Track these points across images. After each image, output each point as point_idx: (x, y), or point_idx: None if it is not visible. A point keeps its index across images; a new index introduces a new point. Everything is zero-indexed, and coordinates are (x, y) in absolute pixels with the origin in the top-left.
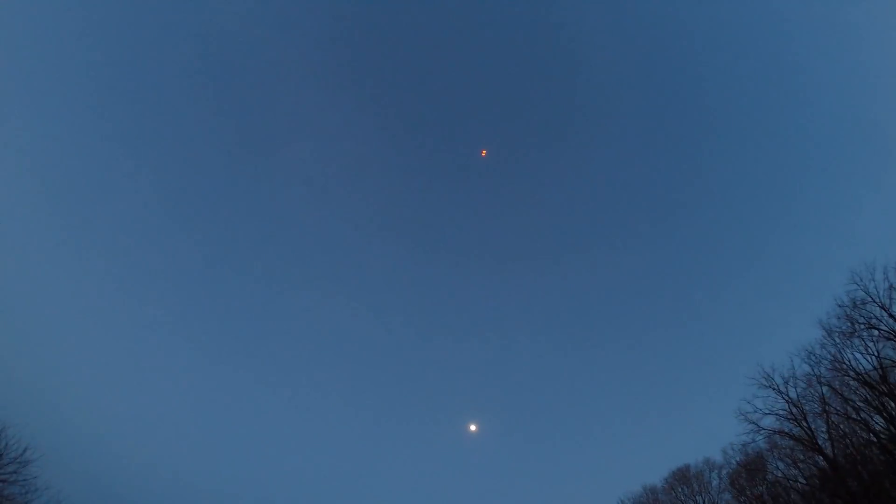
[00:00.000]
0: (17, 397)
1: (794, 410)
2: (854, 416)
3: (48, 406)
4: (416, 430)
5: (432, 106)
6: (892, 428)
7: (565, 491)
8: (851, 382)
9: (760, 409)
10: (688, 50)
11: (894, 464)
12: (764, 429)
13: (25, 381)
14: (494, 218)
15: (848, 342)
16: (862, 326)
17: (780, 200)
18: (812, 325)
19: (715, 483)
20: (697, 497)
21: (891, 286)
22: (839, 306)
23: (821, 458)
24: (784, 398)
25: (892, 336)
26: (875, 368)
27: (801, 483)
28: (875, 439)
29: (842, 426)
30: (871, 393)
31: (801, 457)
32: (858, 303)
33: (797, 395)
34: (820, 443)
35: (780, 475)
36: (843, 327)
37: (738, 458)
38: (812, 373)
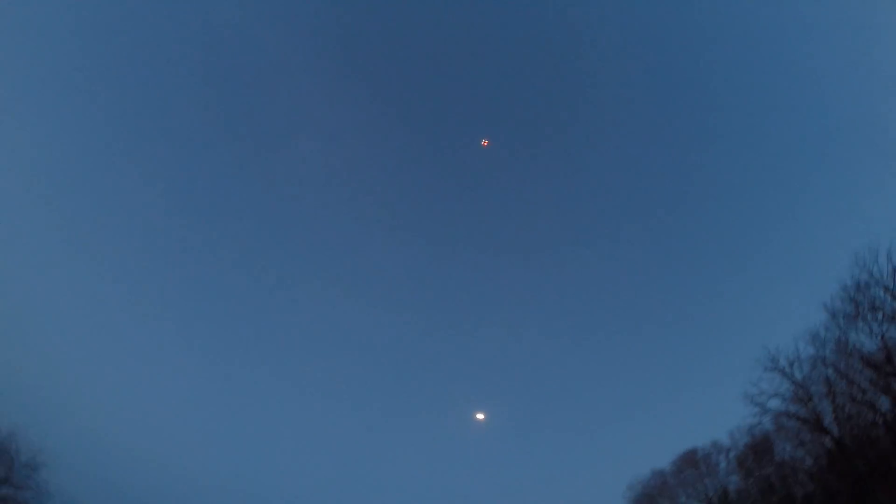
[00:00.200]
0: (26, 402)
1: (800, 392)
2: (860, 397)
3: (56, 409)
4: (424, 420)
5: (433, 97)
6: None
7: (573, 477)
8: (856, 364)
9: (766, 392)
10: (693, 39)
11: None
12: (770, 411)
13: (32, 386)
14: (499, 208)
15: (852, 324)
16: (866, 308)
17: (786, 185)
18: (817, 308)
19: (722, 465)
20: (705, 480)
21: (895, 268)
22: (843, 289)
23: (827, 438)
24: (790, 380)
25: None
26: (880, 350)
27: (808, 464)
28: (881, 420)
29: (848, 407)
30: (876, 374)
31: (808, 438)
32: (862, 285)
33: (803, 377)
34: (826, 424)
35: (787, 457)
36: (848, 310)
37: (745, 441)
38: (817, 355)
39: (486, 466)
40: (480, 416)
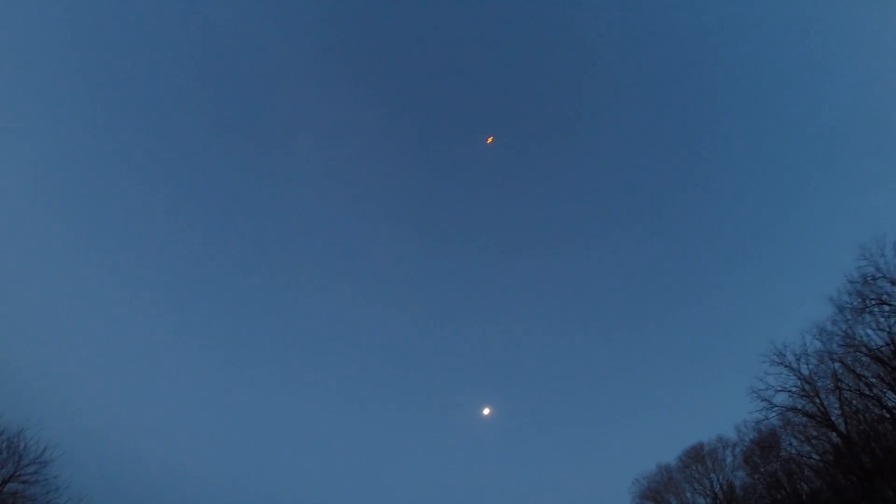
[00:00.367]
0: (35, 398)
1: (807, 387)
2: (866, 392)
3: (66, 406)
4: (430, 416)
5: (436, 95)
6: None
7: (579, 471)
8: (863, 358)
9: (773, 387)
10: (698, 36)
11: None
12: (777, 406)
13: (42, 382)
14: (503, 205)
15: (859, 318)
16: (873, 302)
17: (791, 180)
18: (823, 302)
19: (729, 461)
20: (711, 475)
21: None
22: (850, 282)
23: (834, 434)
24: (796, 375)
25: None
26: (887, 344)
27: (814, 459)
28: (888, 415)
29: (854, 402)
30: (883, 369)
31: (815, 433)
32: (869, 279)
33: (809, 372)
34: (833, 419)
35: (793, 452)
36: (854, 303)
37: (751, 436)
38: (824, 349)
39: (491, 460)
40: (486, 412)
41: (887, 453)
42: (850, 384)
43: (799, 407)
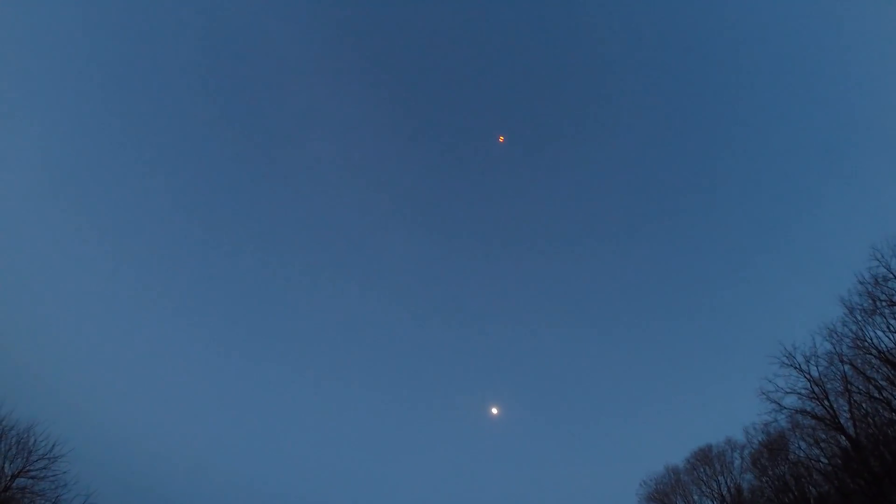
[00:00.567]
0: (44, 394)
1: (816, 389)
2: (876, 394)
3: (74, 402)
4: (439, 414)
5: (449, 94)
6: None
7: (587, 472)
8: (874, 361)
9: (782, 389)
10: (712, 38)
11: None
12: (786, 408)
13: (52, 378)
14: (514, 204)
15: (870, 319)
16: (884, 303)
17: (801, 180)
18: (834, 303)
19: (737, 463)
20: (719, 477)
21: None
22: (861, 283)
23: (843, 437)
24: (806, 377)
25: None
26: None
27: (822, 463)
28: None
29: (864, 405)
30: (893, 371)
31: (823, 436)
32: (880, 279)
33: (819, 374)
34: (842, 422)
35: (801, 455)
36: (865, 304)
37: (759, 438)
38: (834, 351)
39: (500, 460)
40: (495, 411)
41: None
42: (860, 387)
43: (808, 409)
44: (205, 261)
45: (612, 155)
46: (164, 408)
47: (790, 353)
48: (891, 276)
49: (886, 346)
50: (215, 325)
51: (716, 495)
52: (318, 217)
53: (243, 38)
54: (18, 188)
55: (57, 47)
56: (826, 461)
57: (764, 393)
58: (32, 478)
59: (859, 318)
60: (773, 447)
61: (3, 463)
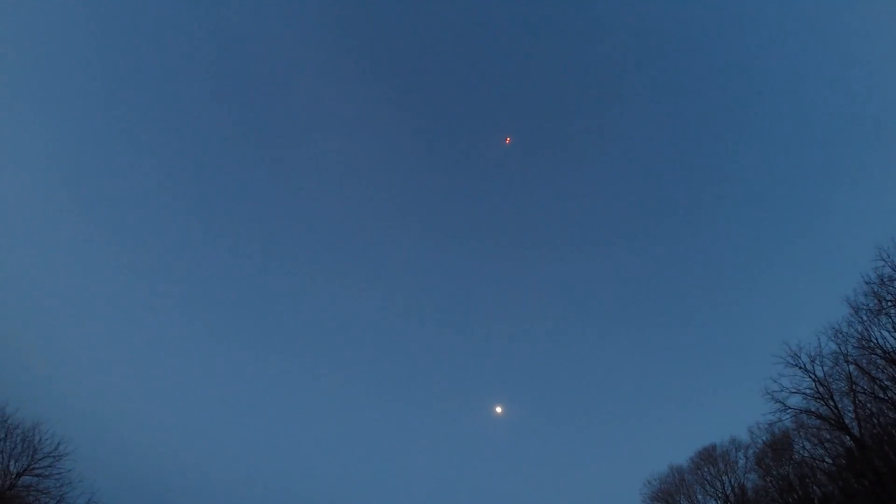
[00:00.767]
0: (50, 393)
1: (821, 389)
2: (881, 395)
3: (79, 401)
4: (442, 414)
5: (454, 95)
6: None
7: (591, 471)
8: (879, 361)
9: (787, 388)
10: (720, 40)
11: None
12: (790, 408)
13: (57, 377)
14: (520, 206)
15: (875, 320)
16: (889, 303)
17: (807, 180)
18: (839, 302)
19: (741, 463)
20: (723, 477)
21: None
22: (866, 283)
23: (847, 437)
24: (811, 377)
25: None
26: None
27: (827, 463)
28: None
29: (869, 405)
30: None
31: (828, 436)
32: (886, 279)
33: (824, 374)
34: (847, 422)
35: (806, 455)
36: (871, 304)
37: (764, 438)
38: (839, 351)
39: (504, 459)
40: (499, 410)
41: None
42: (865, 387)
43: (812, 409)
44: (208, 260)
45: (619, 157)
46: (168, 407)
47: (795, 353)
48: None
49: (892, 346)
50: (219, 324)
51: (720, 495)
52: (322, 217)
53: (247, 39)
54: (23, 189)
55: (61, 49)
56: (830, 461)
57: (768, 393)
58: (37, 476)
59: (865, 318)
60: (777, 447)
61: (9, 461)
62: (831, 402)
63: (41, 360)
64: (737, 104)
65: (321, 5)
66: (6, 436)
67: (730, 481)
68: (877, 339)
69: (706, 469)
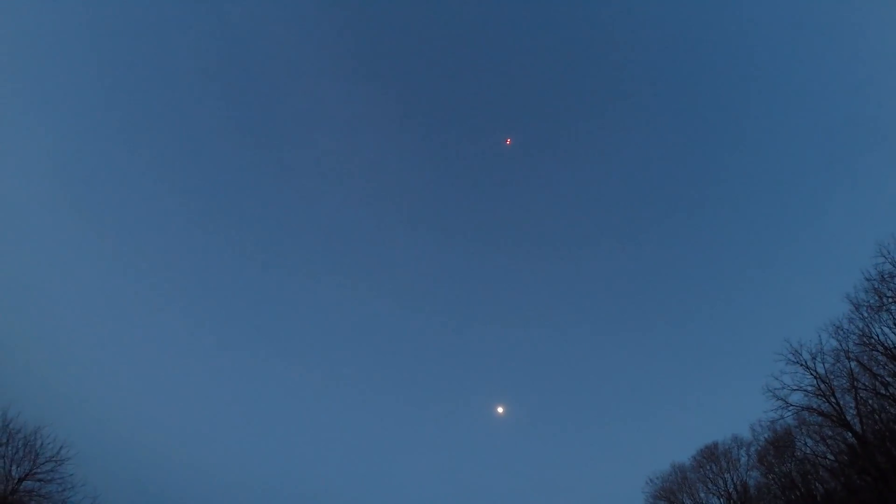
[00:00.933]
0: (51, 396)
1: (823, 386)
2: (883, 391)
3: (81, 405)
4: (444, 414)
5: (455, 96)
6: None
7: (593, 469)
8: (880, 357)
9: (788, 386)
10: (719, 39)
11: None
12: (792, 405)
13: (59, 381)
14: (520, 205)
15: (876, 316)
16: (890, 300)
17: (807, 178)
18: (840, 299)
19: (743, 460)
20: (726, 474)
21: None
22: (867, 280)
23: (849, 434)
24: (812, 374)
25: None
26: None
27: (829, 459)
28: None
29: (870, 402)
30: None
31: (830, 433)
32: (886, 276)
33: (825, 371)
34: (848, 419)
35: (808, 452)
36: (871, 301)
37: (766, 435)
38: (840, 348)
39: (505, 458)
40: (500, 410)
41: None
42: (866, 383)
43: (814, 406)
44: (209, 261)
45: (619, 157)
46: (169, 408)
47: (796, 351)
48: None
49: (893, 343)
50: (220, 325)
51: (722, 493)
52: (323, 217)
53: (247, 38)
54: (24, 191)
55: (61, 49)
56: (833, 458)
57: (770, 390)
58: (39, 480)
59: (865, 314)
60: (779, 444)
61: (11, 466)
62: (833, 399)
63: (42, 364)
64: (737, 103)
65: (321, 5)
66: (8, 440)
67: (732, 479)
68: (878, 335)
69: (708, 467)
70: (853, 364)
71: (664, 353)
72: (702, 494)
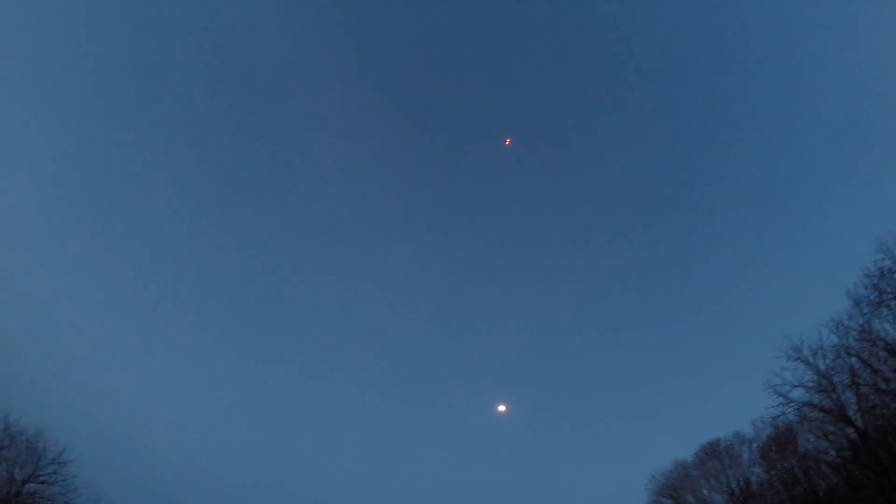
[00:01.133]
0: (52, 400)
1: (824, 382)
2: (884, 386)
3: (83, 406)
4: (445, 412)
5: (454, 96)
6: None
7: (595, 467)
8: (880, 353)
9: (789, 382)
10: (716, 37)
11: None
12: (793, 401)
13: (60, 383)
14: (521, 205)
15: (876, 312)
16: (890, 296)
17: (807, 172)
18: (840, 296)
19: (745, 457)
20: (728, 471)
21: None
22: (867, 276)
23: (851, 429)
24: (813, 370)
25: None
26: None
27: (831, 455)
28: None
29: (871, 397)
30: None
31: (831, 429)
32: (886, 272)
33: (826, 367)
34: (850, 414)
35: (810, 448)
36: (871, 297)
37: (768, 432)
38: (841, 344)
39: (507, 458)
40: (502, 409)
41: None
42: (867, 379)
43: (815, 402)
44: (209, 262)
45: (619, 155)
46: (171, 409)
47: (797, 347)
48: None
49: (893, 339)
50: (221, 326)
51: (725, 489)
52: (323, 218)
53: (247, 39)
54: (24, 191)
55: (59, 49)
56: (835, 453)
57: (771, 386)
58: (42, 483)
59: (865, 310)
60: (781, 440)
61: (14, 468)
62: (834, 395)
63: (44, 366)
64: (736, 103)
65: (321, 5)
66: (10, 443)
67: (734, 475)
68: (878, 331)
69: (711, 464)
70: (854, 360)
71: (665, 351)
72: (704, 491)
